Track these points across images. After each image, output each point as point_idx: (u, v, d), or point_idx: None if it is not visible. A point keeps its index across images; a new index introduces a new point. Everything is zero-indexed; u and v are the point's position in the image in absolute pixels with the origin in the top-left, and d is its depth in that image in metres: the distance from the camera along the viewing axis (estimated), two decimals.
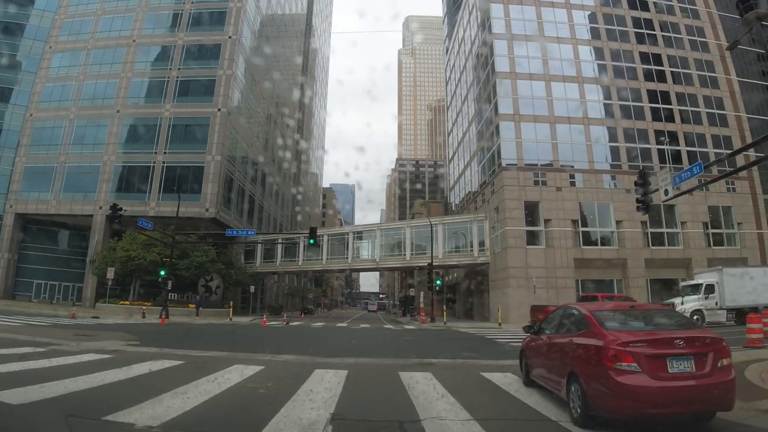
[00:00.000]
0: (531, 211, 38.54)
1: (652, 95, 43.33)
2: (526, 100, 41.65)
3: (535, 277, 34.09)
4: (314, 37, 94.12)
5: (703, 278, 28.84)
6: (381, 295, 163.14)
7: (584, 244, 38.12)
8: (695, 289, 28.54)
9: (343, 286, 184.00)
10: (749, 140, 44.38)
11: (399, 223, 50.24)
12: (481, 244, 42.66)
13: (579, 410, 5.71)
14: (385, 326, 34.09)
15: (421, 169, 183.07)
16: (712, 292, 27.87)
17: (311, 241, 34.94)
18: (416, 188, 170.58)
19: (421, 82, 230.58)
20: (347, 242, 51.43)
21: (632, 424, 5.36)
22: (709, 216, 39.91)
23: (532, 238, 38.04)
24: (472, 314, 50.13)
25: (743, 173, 41.60)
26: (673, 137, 41.84)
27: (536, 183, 39.06)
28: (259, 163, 59.52)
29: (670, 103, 43.22)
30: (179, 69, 48.07)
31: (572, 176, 39.65)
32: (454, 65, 65.09)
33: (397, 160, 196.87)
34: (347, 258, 51.17)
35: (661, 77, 44.09)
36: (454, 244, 45.19)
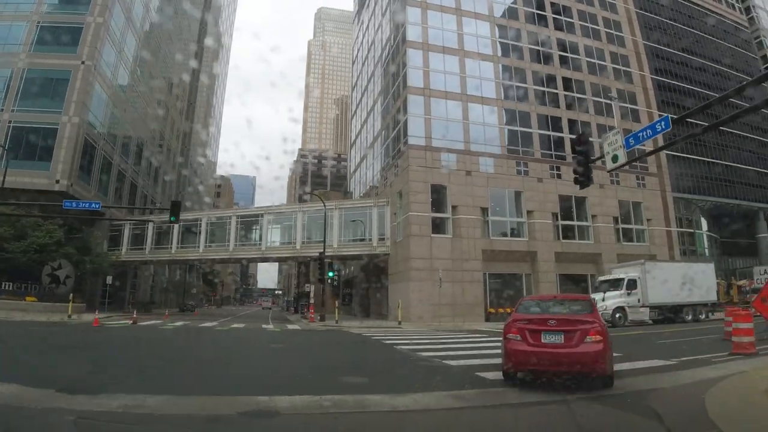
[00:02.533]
0: (438, 196, 34.18)
1: (567, 83, 41.07)
2: (438, 74, 37.33)
3: (441, 269, 29.66)
4: (216, 11, 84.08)
5: (624, 273, 25.97)
6: (277, 291, 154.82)
7: (493, 235, 34.50)
8: (615, 284, 25.56)
9: (237, 281, 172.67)
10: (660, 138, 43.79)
11: (290, 207, 44.06)
12: (382, 233, 37.76)
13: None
14: (264, 326, 27.86)
15: (324, 162, 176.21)
16: (634, 287, 25.02)
17: (172, 219, 28.09)
18: (318, 181, 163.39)
19: (330, 75, 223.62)
20: (229, 228, 44.19)
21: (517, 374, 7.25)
22: (620, 211, 38.18)
23: (438, 226, 33.69)
24: (369, 312, 45.19)
25: (653, 170, 40.71)
26: (585, 128, 39.76)
27: (444, 165, 34.80)
28: (134, 136, 50.24)
29: (585, 93, 41.22)
30: (42, 13, 39.12)
31: (483, 160, 35.94)
32: (362, 42, 59.80)
33: (299, 151, 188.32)
34: (228, 246, 43.95)
35: (576, 66, 42.04)
36: (352, 233, 39.89)
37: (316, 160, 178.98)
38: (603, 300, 24.14)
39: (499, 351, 7.88)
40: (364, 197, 48.19)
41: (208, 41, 79.37)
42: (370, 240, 38.17)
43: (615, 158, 15.45)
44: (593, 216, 37.16)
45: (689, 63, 52.94)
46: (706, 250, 45.05)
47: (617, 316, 24.08)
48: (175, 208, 28.52)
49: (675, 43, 52.77)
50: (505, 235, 35.02)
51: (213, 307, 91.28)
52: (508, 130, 37.76)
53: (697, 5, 58.83)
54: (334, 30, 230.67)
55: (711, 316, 27.36)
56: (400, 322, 27.92)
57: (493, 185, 35.21)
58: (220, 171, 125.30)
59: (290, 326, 28.43)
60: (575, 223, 36.84)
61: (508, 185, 35.67)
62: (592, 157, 17.25)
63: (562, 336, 6.94)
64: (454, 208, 33.96)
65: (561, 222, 36.20)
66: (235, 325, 27.92)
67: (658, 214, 39.59)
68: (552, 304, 8.56)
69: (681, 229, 42.87)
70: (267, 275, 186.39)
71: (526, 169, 36.72)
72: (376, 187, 44.50)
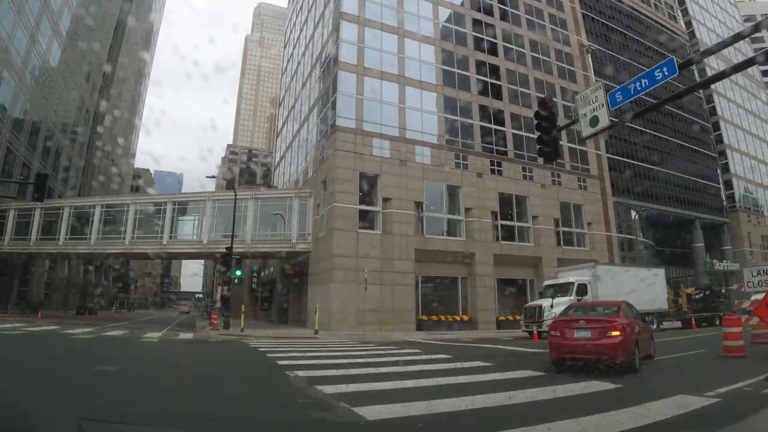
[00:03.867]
0: (367, 187, 30.04)
1: (512, 76, 38.44)
2: (374, 52, 33.32)
3: (367, 270, 25.43)
4: None
5: (574, 277, 22.95)
6: (198, 295, 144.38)
7: (428, 233, 30.80)
8: (563, 289, 22.47)
9: (157, 284, 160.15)
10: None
11: (198, 195, 38.33)
12: (303, 229, 33.15)
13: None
14: (147, 335, 22.27)
15: (254, 159, 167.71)
16: (585, 293, 22.02)
17: (35, 195, 22.75)
18: (248, 179, 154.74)
19: (266, 73, 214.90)
20: (127, 218, 37.81)
21: (569, 365, 9.22)
22: (561, 213, 35.82)
23: (367, 220, 29.51)
24: (287, 318, 40.24)
25: (595, 172, 38.88)
26: (528, 123, 37.22)
27: (377, 152, 30.73)
28: (30, 112, 42.70)
29: (529, 89, 38.75)
30: None
31: (420, 150, 32.26)
32: (295, 22, 54.90)
33: (228, 147, 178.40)
34: (124, 239, 37.60)
35: (521, 60, 39.53)
36: (271, 227, 34.88)
37: (245, 158, 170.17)
38: (552, 307, 20.94)
39: (448, 380, 8.02)
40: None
41: (132, 20, 70.93)
42: (289, 235, 33.39)
43: (595, 121, 11.89)
44: (534, 217, 34.51)
45: (631, 69, 52.46)
46: (644, 258, 43.98)
47: None
48: (40, 184, 22.87)
49: (619, 49, 52.08)
50: (441, 233, 31.41)
51: (123, 310, 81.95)
52: (448, 119, 34.39)
53: (642, 15, 58.91)
54: (273, 28, 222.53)
55: (661, 326, 25.06)
56: (316, 331, 23.43)
57: (429, 178, 31.57)
58: (145, 166, 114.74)
59: (182, 335, 23.18)
60: (516, 223, 33.97)
61: (446, 179, 32.17)
62: (560, 124, 13.80)
63: (589, 332, 8.99)
64: (385, 200, 29.96)
65: (501, 222, 33.19)
66: (112, 333, 22.26)
67: (599, 218, 37.68)
68: (590, 308, 10.91)
69: (620, 235, 41.39)
70: (191, 275, 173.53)
71: (465, 162, 33.43)
72: (301, 185, 39.71)
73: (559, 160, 36.49)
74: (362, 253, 27.87)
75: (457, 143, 33.84)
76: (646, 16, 59.38)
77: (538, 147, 12.35)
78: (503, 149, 35.34)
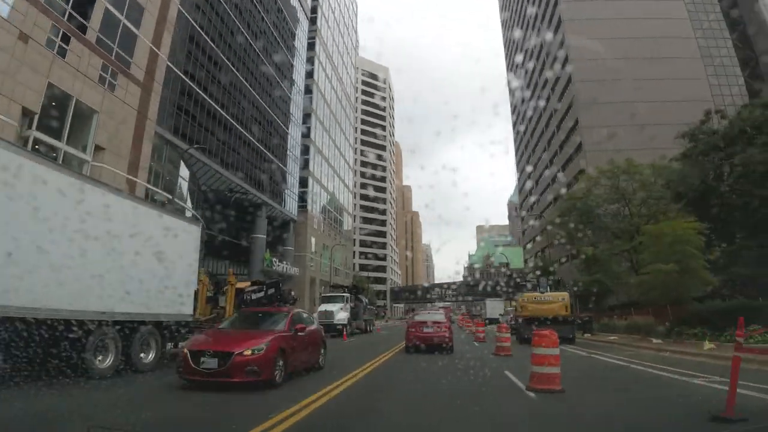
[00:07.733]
0: None
1: None
2: None
3: None
4: None
5: None
6: None
7: None
8: None
9: None
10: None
11: None
12: None
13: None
14: None
15: None
16: None
17: None
18: None
19: None
20: None
21: (414, 348, 14.85)
22: (42, 100, 17.74)
23: None
24: None
25: (140, 75, 22.71)
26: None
27: None
28: None
29: None
30: None
31: None
32: None
33: None
34: None
35: None
36: None
37: None
38: None
39: None
40: None
41: None
42: None
43: None
44: None
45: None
46: None
47: None
48: None
49: None
50: None
51: None
52: None
53: None
54: None
55: (167, 352, 10.70)
56: None
57: None
58: None
59: None
60: None
61: None
62: None
63: (432, 329, 15.12)
64: None
65: None
66: None
67: (123, 146, 21.79)
68: (431, 316, 16.97)
69: (154, 189, 25.96)
70: None
71: None
72: None
73: (80, 16, 19.10)
74: None
75: None
76: None
77: None
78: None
